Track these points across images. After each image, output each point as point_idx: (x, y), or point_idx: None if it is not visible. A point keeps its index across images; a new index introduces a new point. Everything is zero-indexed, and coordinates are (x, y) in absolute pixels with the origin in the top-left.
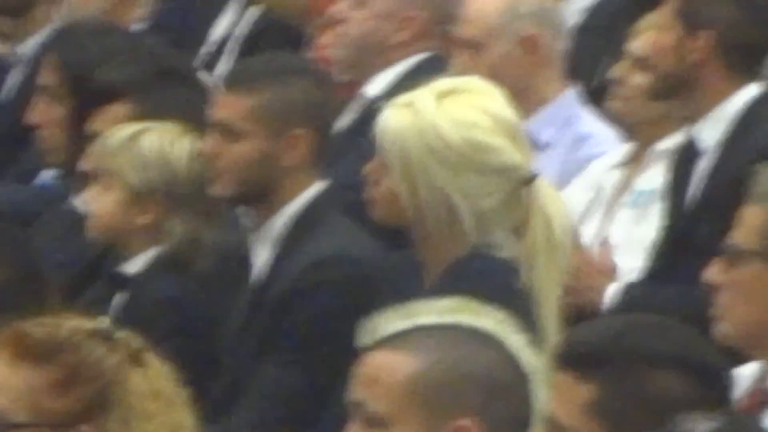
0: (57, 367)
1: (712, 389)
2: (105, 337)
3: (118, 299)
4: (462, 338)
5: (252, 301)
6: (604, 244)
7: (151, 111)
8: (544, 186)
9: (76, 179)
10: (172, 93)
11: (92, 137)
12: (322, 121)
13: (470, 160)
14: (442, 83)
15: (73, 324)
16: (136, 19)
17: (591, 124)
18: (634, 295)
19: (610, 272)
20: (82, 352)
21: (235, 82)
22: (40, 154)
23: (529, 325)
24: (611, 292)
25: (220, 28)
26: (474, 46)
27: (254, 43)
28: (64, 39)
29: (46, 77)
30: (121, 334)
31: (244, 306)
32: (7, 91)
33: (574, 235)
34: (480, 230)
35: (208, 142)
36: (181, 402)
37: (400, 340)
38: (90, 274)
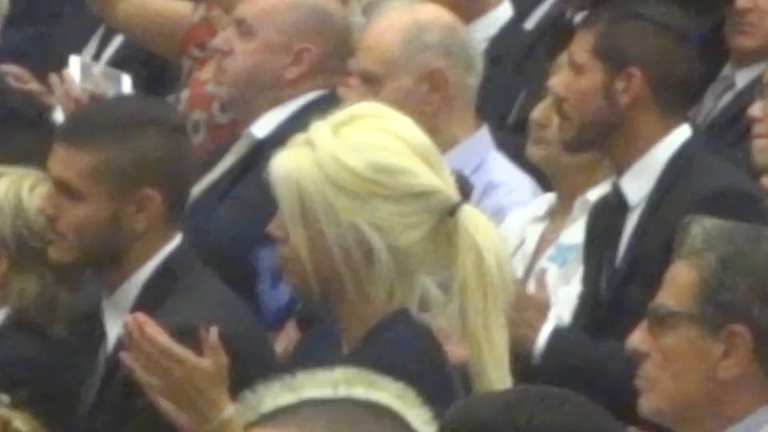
0: None
1: None
2: None
3: None
4: (355, 413)
5: (104, 378)
6: (541, 277)
7: None
8: (471, 214)
9: None
10: (16, 138)
11: None
12: (177, 179)
13: (378, 185)
14: (339, 114)
15: None
16: None
17: (503, 170)
18: (561, 345)
19: (545, 308)
20: None
21: (73, 135)
22: None
23: (442, 396)
24: (546, 332)
25: (83, 56)
26: (372, 80)
27: None
28: None
29: None
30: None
31: (96, 382)
32: None
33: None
34: (400, 273)
35: (47, 200)
36: None
37: (284, 417)
38: None
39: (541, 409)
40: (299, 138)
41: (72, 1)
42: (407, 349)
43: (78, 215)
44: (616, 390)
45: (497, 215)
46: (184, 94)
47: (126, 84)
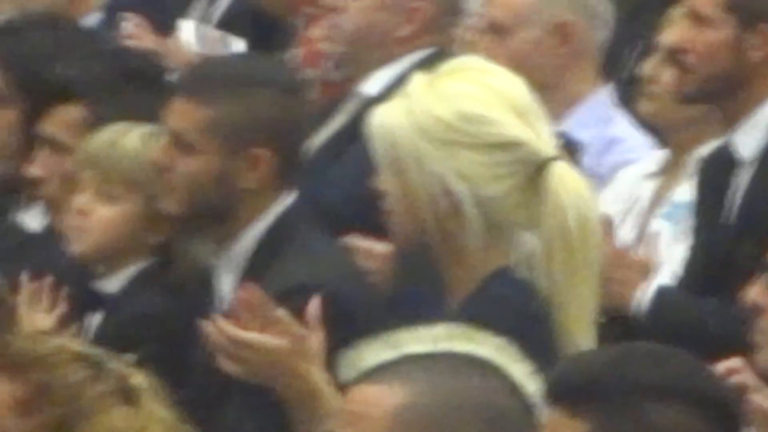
0: (25, 384)
1: (719, 424)
2: (93, 363)
3: (95, 319)
4: (456, 366)
5: None
6: (650, 238)
7: (111, 116)
8: (561, 171)
9: (24, 188)
10: (137, 97)
11: (44, 140)
12: (290, 141)
13: (462, 133)
14: (442, 67)
15: (58, 343)
16: (95, 7)
17: (624, 127)
18: (667, 303)
19: (646, 267)
20: (57, 372)
21: (193, 88)
22: None
23: (545, 353)
24: (645, 291)
25: (191, 16)
26: (499, 30)
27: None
28: (4, 35)
29: None
30: (118, 366)
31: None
32: None
33: (606, 226)
34: (489, 226)
35: (161, 151)
36: None
37: (385, 372)
38: None
39: (647, 364)
40: (400, 91)
41: None
42: (509, 306)
43: (189, 168)
44: (721, 349)
45: (616, 171)
46: (297, 52)
47: (239, 48)
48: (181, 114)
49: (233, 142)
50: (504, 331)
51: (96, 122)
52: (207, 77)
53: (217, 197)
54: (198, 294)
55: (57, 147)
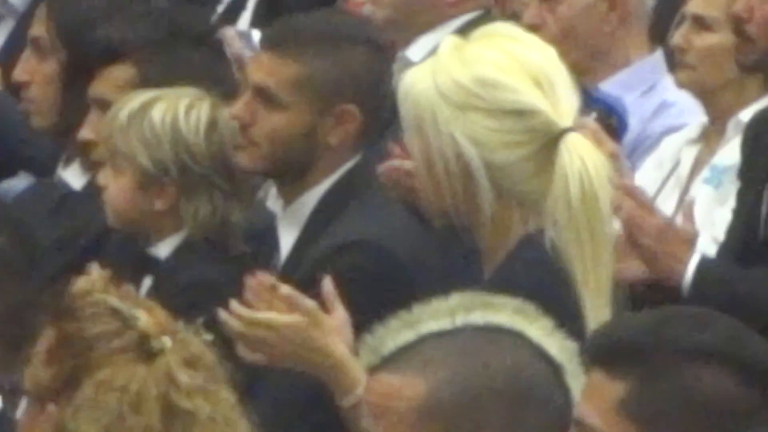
0: (55, 333)
1: (758, 390)
2: (121, 319)
3: (147, 283)
4: (475, 341)
5: None
6: (687, 208)
7: (160, 75)
8: (575, 142)
9: (69, 147)
10: (185, 56)
11: (94, 102)
12: (376, 99)
13: (476, 97)
14: (475, 32)
15: (100, 297)
16: None
17: (674, 91)
18: (709, 277)
19: (691, 240)
20: (81, 324)
21: (282, 43)
22: (25, 116)
23: (576, 315)
24: (693, 264)
25: None
26: None
27: None
28: None
29: (37, 29)
30: (149, 324)
31: None
32: None
33: (644, 201)
34: (499, 191)
35: (243, 106)
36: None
37: (405, 358)
38: (82, 258)
39: (687, 327)
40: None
41: None
42: (540, 269)
43: (275, 124)
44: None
45: (663, 135)
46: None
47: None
48: (269, 69)
49: (323, 98)
50: (536, 294)
51: (144, 82)
52: (295, 32)
53: (300, 153)
54: (250, 259)
55: (107, 108)
